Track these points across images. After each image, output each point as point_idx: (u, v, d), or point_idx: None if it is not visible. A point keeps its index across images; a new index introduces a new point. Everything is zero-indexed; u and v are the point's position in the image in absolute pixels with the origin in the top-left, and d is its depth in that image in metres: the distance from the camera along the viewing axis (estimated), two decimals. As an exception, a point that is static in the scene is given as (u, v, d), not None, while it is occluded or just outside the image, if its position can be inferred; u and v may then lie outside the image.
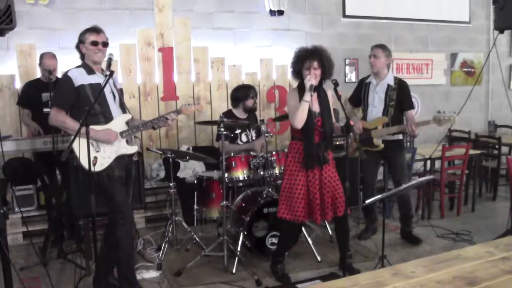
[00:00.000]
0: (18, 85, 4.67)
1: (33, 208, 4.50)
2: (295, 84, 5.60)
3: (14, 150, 4.01)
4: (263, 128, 4.14)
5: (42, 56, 4.26)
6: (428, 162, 5.05)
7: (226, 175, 3.83)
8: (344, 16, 6.18)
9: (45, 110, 4.18)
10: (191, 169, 4.68)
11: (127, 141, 3.17)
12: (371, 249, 4.07)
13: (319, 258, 3.79)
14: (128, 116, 3.22)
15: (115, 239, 3.04)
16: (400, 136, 4.24)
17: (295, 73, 3.40)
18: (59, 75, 4.56)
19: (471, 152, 5.09)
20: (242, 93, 4.45)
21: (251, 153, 4.13)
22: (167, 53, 5.22)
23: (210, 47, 5.42)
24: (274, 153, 4.06)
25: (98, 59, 3.09)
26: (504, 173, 5.63)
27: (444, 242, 4.25)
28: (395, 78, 4.18)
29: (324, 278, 3.44)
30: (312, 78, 3.23)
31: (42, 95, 4.21)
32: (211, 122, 4.40)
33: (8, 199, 4.42)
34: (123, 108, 3.23)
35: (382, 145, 4.12)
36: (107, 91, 3.08)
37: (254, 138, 4.62)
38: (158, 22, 5.19)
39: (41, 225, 4.40)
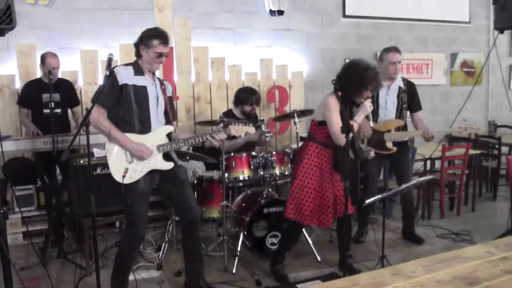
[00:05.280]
0: (18, 85, 4.66)
1: (33, 208, 4.50)
2: (295, 84, 5.75)
3: (14, 150, 4.02)
4: (263, 128, 4.14)
5: (44, 56, 4.20)
6: (428, 162, 5.05)
7: (226, 175, 3.83)
8: (344, 16, 6.17)
9: (45, 111, 4.17)
10: (191, 169, 4.67)
11: (163, 156, 2.94)
12: (371, 249, 4.07)
13: (319, 258, 3.79)
14: (170, 128, 2.99)
15: (119, 250, 3.03)
16: (407, 138, 4.22)
17: (348, 88, 3.17)
18: (60, 75, 4.58)
19: (471, 152, 5.09)
20: (244, 96, 4.47)
21: (252, 153, 4.13)
22: (167, 53, 5.21)
23: (210, 47, 5.41)
24: (274, 153, 4.05)
25: (155, 69, 2.95)
26: (504, 173, 5.62)
27: (444, 242, 4.25)
28: (403, 79, 4.14)
29: (324, 278, 3.44)
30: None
31: (43, 95, 4.19)
32: (211, 122, 4.39)
33: (8, 199, 4.43)
34: (167, 118, 3.01)
35: (395, 148, 4.01)
36: (151, 96, 2.87)
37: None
38: (158, 22, 5.17)
39: (41, 225, 4.40)
